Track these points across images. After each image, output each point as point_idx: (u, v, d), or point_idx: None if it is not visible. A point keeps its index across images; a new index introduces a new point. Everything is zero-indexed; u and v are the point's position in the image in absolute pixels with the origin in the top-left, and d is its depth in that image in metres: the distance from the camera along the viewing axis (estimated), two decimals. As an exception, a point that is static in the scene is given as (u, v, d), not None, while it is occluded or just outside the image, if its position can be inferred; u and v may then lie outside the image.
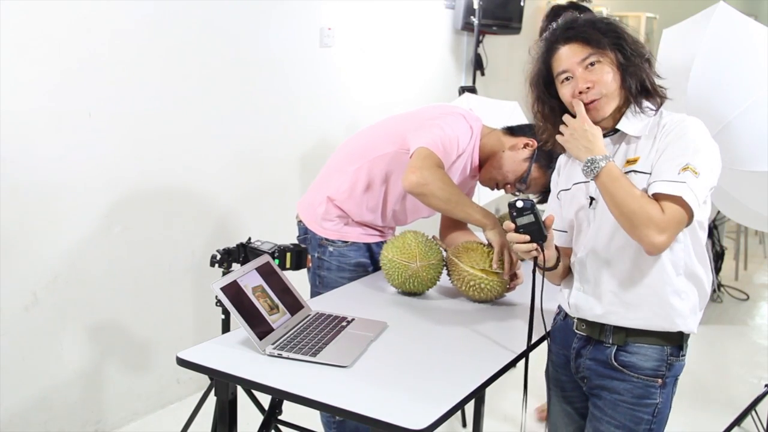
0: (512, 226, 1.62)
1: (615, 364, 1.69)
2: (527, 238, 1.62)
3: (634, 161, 1.64)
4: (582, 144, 1.62)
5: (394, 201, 2.34)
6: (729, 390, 3.73)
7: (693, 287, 1.67)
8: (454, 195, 2.11)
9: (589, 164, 1.59)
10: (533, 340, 1.84)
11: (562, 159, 1.86)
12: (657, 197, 1.55)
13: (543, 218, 1.62)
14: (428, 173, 2.08)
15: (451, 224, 2.44)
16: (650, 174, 1.60)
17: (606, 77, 1.63)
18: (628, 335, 1.67)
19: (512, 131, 2.36)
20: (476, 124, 2.33)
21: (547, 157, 2.26)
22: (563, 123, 1.69)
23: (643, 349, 1.67)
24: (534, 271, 1.70)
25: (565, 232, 1.80)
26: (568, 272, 1.80)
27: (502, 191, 2.44)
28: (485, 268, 2.11)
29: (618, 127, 1.67)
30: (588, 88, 1.63)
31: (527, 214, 1.61)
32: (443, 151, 2.16)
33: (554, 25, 1.72)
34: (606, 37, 1.64)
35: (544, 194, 2.34)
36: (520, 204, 1.61)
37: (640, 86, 1.65)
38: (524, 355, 1.79)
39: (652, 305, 1.64)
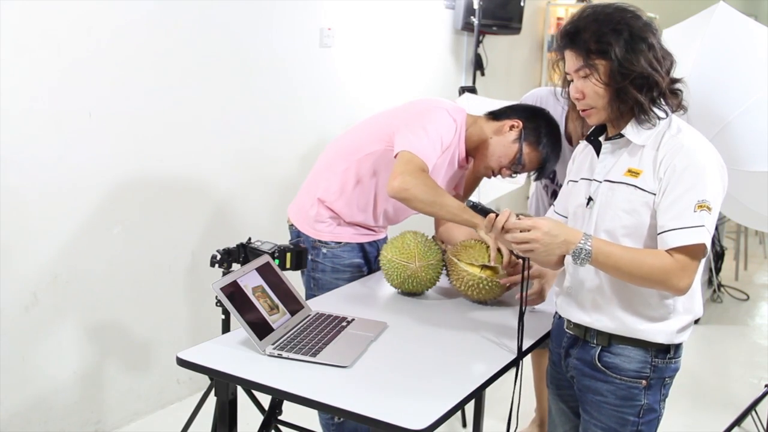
0: (496, 221, 1.66)
1: (598, 364, 1.69)
2: (516, 223, 1.65)
3: (636, 174, 1.61)
4: (555, 247, 1.56)
5: (384, 198, 2.34)
6: (729, 390, 3.73)
7: (685, 306, 1.65)
8: (439, 197, 2.10)
9: (577, 255, 1.55)
10: (528, 345, 1.85)
11: (580, 147, 1.84)
12: (676, 248, 1.52)
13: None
14: (410, 178, 2.07)
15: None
16: (653, 195, 1.57)
17: (593, 92, 1.60)
18: (612, 337, 1.68)
19: (494, 116, 2.35)
20: (460, 116, 2.32)
21: (534, 133, 2.27)
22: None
23: (626, 350, 1.67)
24: (522, 277, 1.78)
25: (566, 218, 1.81)
26: (561, 262, 1.81)
27: (501, 189, 2.44)
28: (485, 263, 2.12)
29: (623, 133, 1.65)
30: (578, 98, 1.63)
31: (481, 206, 1.77)
32: (426, 153, 2.16)
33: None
34: (599, 49, 1.57)
35: (540, 170, 2.35)
36: (474, 201, 1.80)
37: (632, 102, 1.59)
38: (518, 359, 1.79)
39: (639, 320, 1.64)
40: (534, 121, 2.29)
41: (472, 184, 2.55)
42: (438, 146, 2.21)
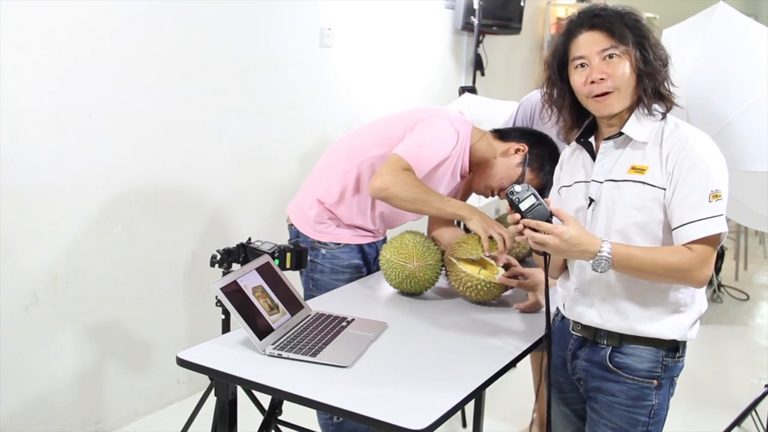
0: (517, 216, 1.55)
1: (610, 365, 1.68)
2: (539, 223, 1.54)
3: (642, 170, 1.61)
4: (571, 254, 1.57)
5: (380, 201, 2.34)
6: (729, 390, 3.73)
7: (694, 300, 1.66)
8: (421, 194, 2.10)
9: (597, 263, 1.54)
10: (527, 346, 1.85)
11: (566, 152, 1.83)
12: (696, 240, 1.54)
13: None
14: (390, 177, 2.09)
15: (437, 220, 2.43)
16: (662, 190, 1.58)
17: (622, 72, 1.60)
18: (622, 337, 1.67)
19: (501, 135, 2.37)
20: (464, 128, 2.32)
21: (538, 160, 2.28)
22: (568, 109, 1.69)
23: (638, 350, 1.66)
24: (547, 265, 1.67)
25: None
26: (565, 267, 1.80)
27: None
28: (481, 256, 2.12)
29: (624, 131, 1.64)
30: (602, 79, 1.60)
31: (528, 195, 1.55)
32: (416, 157, 2.16)
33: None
34: (631, 33, 1.60)
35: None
36: (518, 188, 1.55)
37: (653, 90, 1.61)
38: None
39: (650, 317, 1.64)
40: (539, 147, 2.30)
41: (464, 196, 2.54)
42: (433, 154, 2.21)
